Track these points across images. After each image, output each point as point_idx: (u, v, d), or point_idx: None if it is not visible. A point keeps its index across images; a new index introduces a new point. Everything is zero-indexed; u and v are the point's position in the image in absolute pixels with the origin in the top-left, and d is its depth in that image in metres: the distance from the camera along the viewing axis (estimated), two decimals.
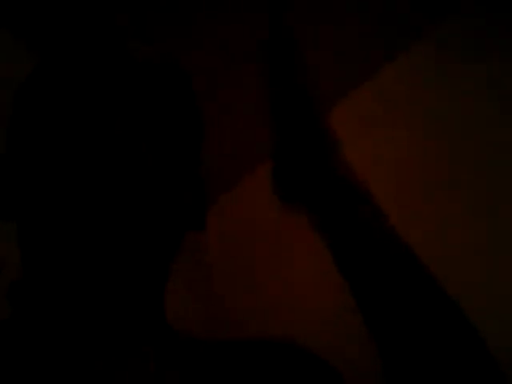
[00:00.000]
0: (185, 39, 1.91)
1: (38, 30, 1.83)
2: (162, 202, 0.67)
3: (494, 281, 1.74)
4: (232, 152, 2.26)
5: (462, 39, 1.96)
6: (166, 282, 0.73)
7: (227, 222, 2.32)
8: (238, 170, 2.32)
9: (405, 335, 0.68)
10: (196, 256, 2.32)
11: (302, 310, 2.05)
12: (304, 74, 0.73)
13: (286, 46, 0.72)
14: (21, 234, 0.69)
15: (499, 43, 1.91)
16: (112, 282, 0.65)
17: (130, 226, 0.65)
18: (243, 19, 1.91)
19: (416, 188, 1.95)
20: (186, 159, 0.72)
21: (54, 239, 0.65)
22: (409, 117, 2.02)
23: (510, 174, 1.82)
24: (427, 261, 0.73)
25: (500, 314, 1.67)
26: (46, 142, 0.66)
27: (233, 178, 2.34)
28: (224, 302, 2.24)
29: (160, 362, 0.68)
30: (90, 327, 0.66)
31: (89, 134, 0.65)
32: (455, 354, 0.67)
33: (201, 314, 2.19)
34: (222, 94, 2.02)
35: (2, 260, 1.46)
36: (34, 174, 0.66)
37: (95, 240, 0.64)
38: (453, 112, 1.94)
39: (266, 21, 0.74)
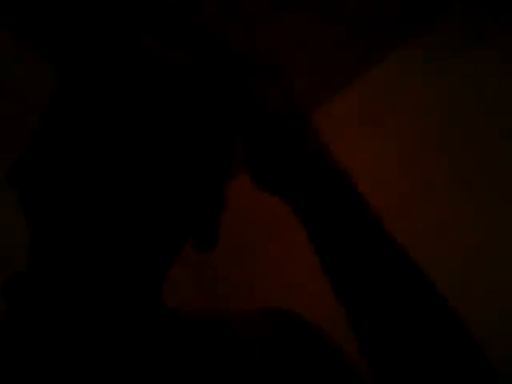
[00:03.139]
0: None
1: (38, 29, 1.83)
2: (171, 205, 0.67)
3: (494, 281, 1.74)
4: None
5: (461, 33, 1.96)
6: (167, 272, 0.73)
7: (230, 224, 2.32)
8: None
9: (394, 336, 0.65)
10: (200, 259, 2.31)
11: (303, 309, 2.05)
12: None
13: None
14: (31, 222, 0.69)
15: (498, 39, 1.90)
16: (112, 271, 0.66)
17: (134, 224, 0.65)
18: (243, 20, 1.91)
19: (416, 185, 1.94)
20: (203, 168, 0.71)
21: (64, 233, 0.65)
22: (408, 113, 2.01)
23: (509, 171, 1.81)
24: (424, 256, 0.69)
25: (500, 314, 1.67)
26: (70, 143, 0.66)
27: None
28: (227, 301, 2.24)
29: (162, 339, 0.68)
30: (90, 315, 0.66)
31: (108, 136, 0.66)
32: (448, 356, 0.64)
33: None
34: None
35: None
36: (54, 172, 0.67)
37: (99, 232, 0.64)
38: (452, 108, 1.94)
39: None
